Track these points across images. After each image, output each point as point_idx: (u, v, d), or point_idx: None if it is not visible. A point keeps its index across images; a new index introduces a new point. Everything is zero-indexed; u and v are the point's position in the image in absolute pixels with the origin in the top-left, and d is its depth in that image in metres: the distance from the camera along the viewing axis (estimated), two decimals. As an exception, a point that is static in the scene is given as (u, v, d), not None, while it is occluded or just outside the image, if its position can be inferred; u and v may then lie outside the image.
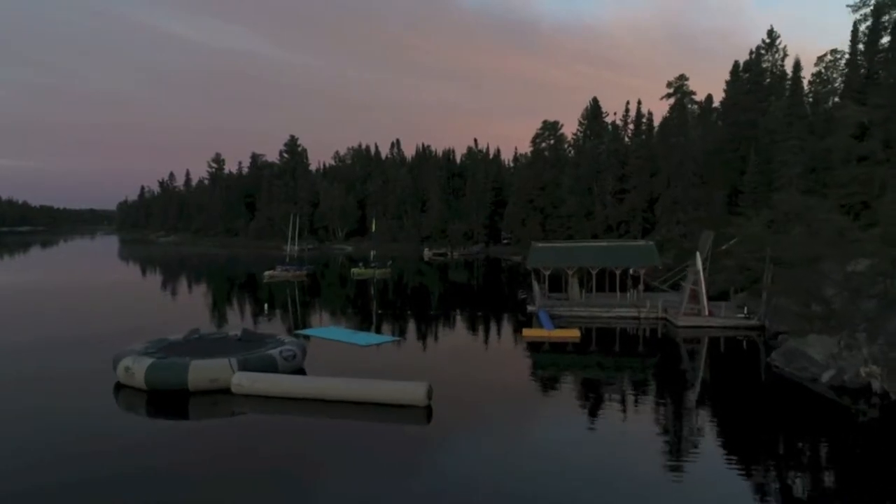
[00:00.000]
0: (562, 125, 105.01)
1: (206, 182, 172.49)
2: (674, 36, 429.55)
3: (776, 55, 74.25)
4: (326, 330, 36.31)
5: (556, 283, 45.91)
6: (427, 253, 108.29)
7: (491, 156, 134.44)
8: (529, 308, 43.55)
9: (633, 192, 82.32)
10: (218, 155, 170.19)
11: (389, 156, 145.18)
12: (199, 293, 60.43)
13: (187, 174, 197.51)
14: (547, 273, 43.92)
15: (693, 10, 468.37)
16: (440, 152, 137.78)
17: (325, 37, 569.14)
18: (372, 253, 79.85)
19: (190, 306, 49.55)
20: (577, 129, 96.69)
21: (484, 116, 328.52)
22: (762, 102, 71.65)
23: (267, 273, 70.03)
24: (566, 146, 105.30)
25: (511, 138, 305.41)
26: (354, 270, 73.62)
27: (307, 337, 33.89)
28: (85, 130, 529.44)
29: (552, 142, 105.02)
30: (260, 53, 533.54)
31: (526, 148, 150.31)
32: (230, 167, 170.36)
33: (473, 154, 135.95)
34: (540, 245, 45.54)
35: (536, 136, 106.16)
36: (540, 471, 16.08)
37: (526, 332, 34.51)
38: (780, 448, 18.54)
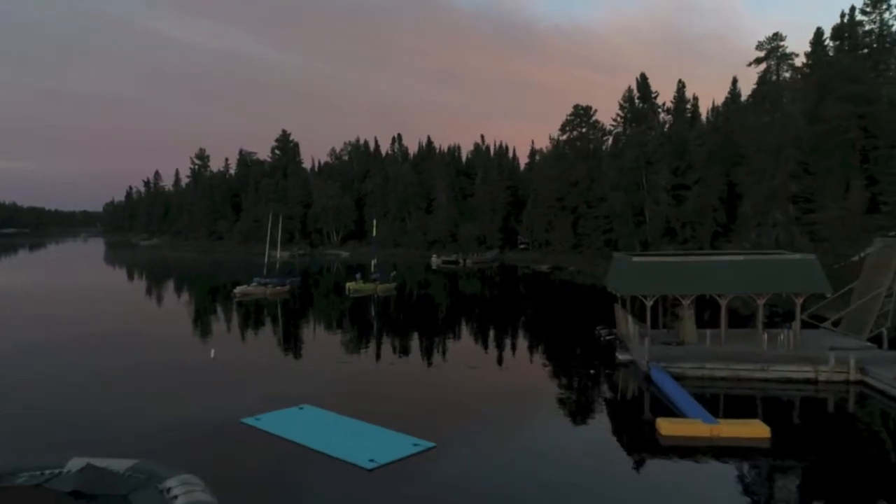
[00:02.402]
0: (595, 110, 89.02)
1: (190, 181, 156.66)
2: (670, 39, 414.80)
3: (886, 13, 58.75)
4: (297, 414, 20.46)
5: (641, 312, 29.48)
6: (435, 260, 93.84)
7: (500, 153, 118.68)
8: (620, 357, 28.00)
9: (697, 186, 66.29)
10: (202, 150, 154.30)
11: (390, 152, 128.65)
12: (118, 325, 42.06)
13: (176, 174, 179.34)
14: (650, 304, 28.04)
15: (687, 11, 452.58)
16: (445, 148, 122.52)
17: (323, 38, 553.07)
18: (373, 262, 63.82)
19: (76, 360, 31.08)
20: (617, 114, 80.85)
21: (484, 118, 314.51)
22: (873, 72, 56.37)
23: (237, 290, 53.97)
24: (600, 136, 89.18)
25: (510, 141, 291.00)
26: (350, 285, 57.81)
27: (262, 432, 18.29)
28: (81, 131, 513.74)
29: (584, 130, 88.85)
30: (256, 54, 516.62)
31: (539, 145, 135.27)
32: (218, 165, 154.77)
33: (481, 151, 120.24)
34: (635, 259, 29.17)
35: (565, 125, 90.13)
36: None
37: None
38: None
